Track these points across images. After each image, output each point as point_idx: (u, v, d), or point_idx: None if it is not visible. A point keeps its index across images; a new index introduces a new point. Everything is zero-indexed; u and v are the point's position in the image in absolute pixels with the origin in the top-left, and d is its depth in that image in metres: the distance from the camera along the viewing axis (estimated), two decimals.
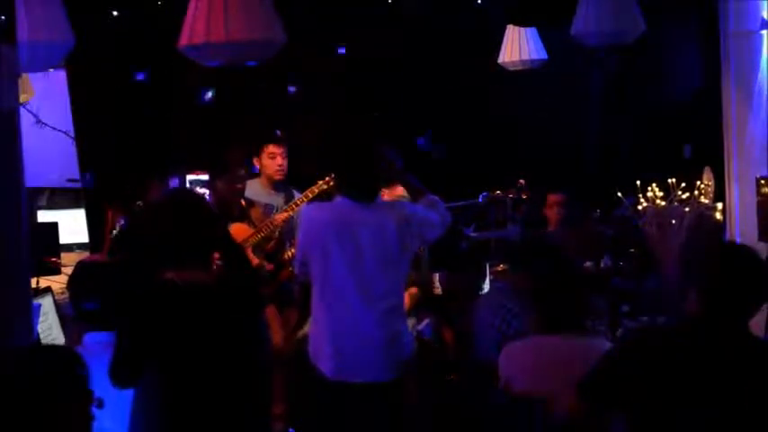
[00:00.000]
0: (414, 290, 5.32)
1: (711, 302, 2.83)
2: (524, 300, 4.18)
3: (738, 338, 2.84)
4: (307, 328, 4.53)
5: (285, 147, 5.87)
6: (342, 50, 7.86)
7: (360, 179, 4.16)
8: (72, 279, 3.70)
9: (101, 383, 2.74)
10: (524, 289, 4.20)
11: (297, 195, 5.65)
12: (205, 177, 5.55)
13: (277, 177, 5.85)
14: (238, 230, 5.28)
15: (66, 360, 2.40)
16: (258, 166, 5.88)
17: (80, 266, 3.82)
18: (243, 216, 5.52)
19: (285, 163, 5.85)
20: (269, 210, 5.65)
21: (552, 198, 6.43)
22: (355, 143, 4.51)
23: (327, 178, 5.35)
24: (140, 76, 7.30)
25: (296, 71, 7.46)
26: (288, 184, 5.97)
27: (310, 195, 5.44)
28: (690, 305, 2.87)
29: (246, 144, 5.91)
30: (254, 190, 5.80)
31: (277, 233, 5.54)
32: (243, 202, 5.56)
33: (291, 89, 7.99)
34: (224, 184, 5.42)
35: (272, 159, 5.82)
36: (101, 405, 2.42)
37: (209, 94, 7.62)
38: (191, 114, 7.83)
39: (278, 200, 5.79)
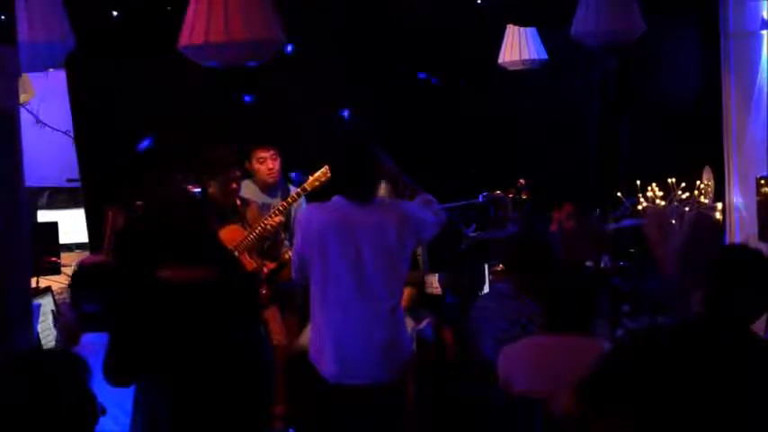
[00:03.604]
0: (409, 289, 5.30)
1: (716, 304, 2.83)
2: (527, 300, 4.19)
3: (741, 339, 2.84)
4: (307, 335, 4.52)
5: (275, 149, 5.86)
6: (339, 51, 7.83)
7: (357, 179, 4.16)
8: (73, 281, 3.70)
9: (101, 385, 2.74)
10: (527, 289, 4.21)
11: (293, 191, 5.64)
12: (197, 191, 5.49)
13: (270, 180, 5.84)
14: (232, 233, 5.23)
15: (68, 365, 2.39)
16: (251, 171, 5.87)
17: (80, 268, 3.81)
18: (238, 216, 5.46)
19: (276, 165, 5.84)
20: (265, 209, 5.62)
21: (568, 207, 6.39)
22: (352, 143, 4.51)
23: (320, 173, 5.34)
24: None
25: (292, 70, 7.42)
26: (285, 182, 5.96)
27: (302, 193, 5.44)
28: (696, 306, 2.88)
29: (237, 147, 5.85)
30: (251, 190, 5.79)
31: (274, 232, 5.51)
32: (238, 202, 5.51)
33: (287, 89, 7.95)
34: (218, 185, 5.36)
35: (262, 164, 5.82)
36: (103, 412, 2.41)
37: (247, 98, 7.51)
38: (189, 115, 7.80)
39: (274, 200, 5.77)
